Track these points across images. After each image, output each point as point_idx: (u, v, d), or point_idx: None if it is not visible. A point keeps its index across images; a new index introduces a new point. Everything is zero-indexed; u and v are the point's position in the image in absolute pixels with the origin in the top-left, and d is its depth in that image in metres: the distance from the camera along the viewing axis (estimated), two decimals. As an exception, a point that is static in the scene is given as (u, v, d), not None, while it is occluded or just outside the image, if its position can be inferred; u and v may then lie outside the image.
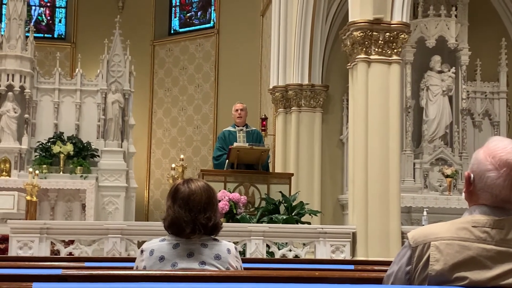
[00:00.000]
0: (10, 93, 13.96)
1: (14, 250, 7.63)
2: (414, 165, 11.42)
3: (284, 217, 8.68)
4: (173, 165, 11.34)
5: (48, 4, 19.99)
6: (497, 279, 2.18)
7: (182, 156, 11.44)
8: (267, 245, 8.12)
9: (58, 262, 4.43)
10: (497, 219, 2.25)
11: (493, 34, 12.42)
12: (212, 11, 18.92)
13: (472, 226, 2.24)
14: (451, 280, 2.21)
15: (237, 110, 9.90)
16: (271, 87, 12.98)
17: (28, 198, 11.51)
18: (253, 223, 8.50)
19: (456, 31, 11.55)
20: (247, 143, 9.50)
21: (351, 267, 4.61)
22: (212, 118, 18.13)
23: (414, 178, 11.39)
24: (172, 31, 19.65)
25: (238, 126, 9.87)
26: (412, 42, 11.33)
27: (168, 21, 19.69)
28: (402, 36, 8.96)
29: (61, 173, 13.84)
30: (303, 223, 8.93)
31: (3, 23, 15.51)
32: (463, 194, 2.37)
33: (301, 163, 12.18)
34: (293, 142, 12.30)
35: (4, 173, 13.60)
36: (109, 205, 14.04)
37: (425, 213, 9.68)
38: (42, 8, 19.91)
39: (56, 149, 13.78)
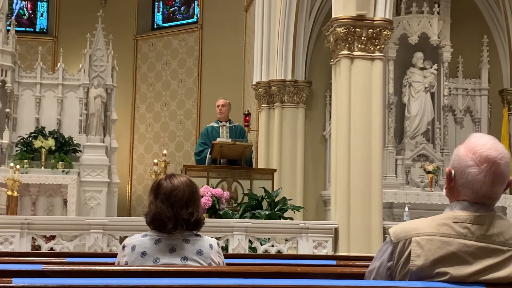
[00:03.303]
0: (-9, 87, 13.83)
1: (-6, 245, 7.58)
2: (396, 161, 11.47)
3: (267, 212, 8.69)
4: (156, 161, 11.28)
5: (30, -3, 19.80)
6: (478, 274, 2.20)
7: (165, 152, 11.38)
8: (250, 241, 8.13)
9: (39, 257, 4.40)
10: (477, 215, 2.26)
11: (475, 31, 12.49)
12: (196, 6, 18.85)
13: (453, 222, 2.26)
14: (432, 275, 2.22)
15: (218, 106, 9.90)
16: (254, 82, 12.97)
17: (9, 193, 11.39)
18: (236, 218, 8.50)
19: (439, 28, 11.61)
20: (230, 139, 9.49)
21: (333, 262, 4.62)
22: (195, 113, 18.08)
23: (396, 174, 11.44)
24: (155, 26, 19.55)
25: (221, 122, 9.87)
26: (394, 38, 11.37)
27: (151, 16, 19.58)
28: (385, 32, 8.98)
29: (42, 168, 13.71)
30: (285, 218, 8.94)
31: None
32: (444, 190, 2.38)
33: (284, 159, 12.19)
34: (276, 138, 12.30)
35: (-16, 168, 13.46)
36: (91, 200, 13.94)
37: (406, 209, 9.72)
38: (23, 2, 19.72)
39: (37, 144, 13.65)
